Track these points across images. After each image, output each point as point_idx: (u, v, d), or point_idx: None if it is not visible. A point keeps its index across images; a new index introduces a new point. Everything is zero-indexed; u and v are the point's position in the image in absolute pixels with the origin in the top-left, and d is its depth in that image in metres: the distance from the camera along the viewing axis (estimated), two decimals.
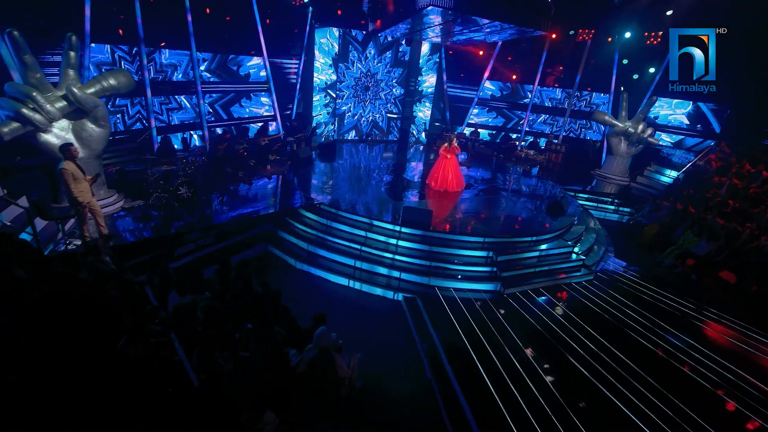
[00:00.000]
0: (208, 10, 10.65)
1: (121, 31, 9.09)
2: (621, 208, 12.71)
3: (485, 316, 6.48)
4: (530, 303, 7.07)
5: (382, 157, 14.86)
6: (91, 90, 7.36)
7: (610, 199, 12.96)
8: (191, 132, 11.54)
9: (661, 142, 15.00)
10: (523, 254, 8.11)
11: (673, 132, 15.41)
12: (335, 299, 7.08)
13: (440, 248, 7.90)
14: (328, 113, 15.70)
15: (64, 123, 7.29)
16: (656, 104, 14.25)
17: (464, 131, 18.42)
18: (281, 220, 8.87)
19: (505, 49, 17.15)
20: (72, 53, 7.20)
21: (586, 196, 12.93)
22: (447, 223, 8.59)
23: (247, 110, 13.44)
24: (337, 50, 14.92)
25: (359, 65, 16.17)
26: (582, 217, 10.44)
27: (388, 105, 17.56)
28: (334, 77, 15.31)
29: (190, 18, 10.27)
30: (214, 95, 12.11)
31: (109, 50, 9.15)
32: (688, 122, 15.05)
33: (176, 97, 10.89)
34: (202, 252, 7.72)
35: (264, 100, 13.80)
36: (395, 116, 17.79)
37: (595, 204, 12.81)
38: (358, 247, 8.04)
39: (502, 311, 6.70)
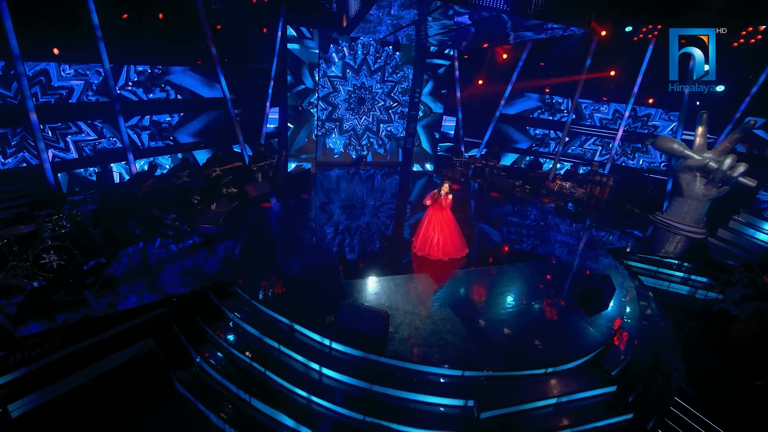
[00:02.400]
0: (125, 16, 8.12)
1: None
2: (693, 276, 8.89)
3: None
4: None
5: (371, 191, 11.82)
6: None
7: (676, 263, 9.13)
8: (111, 166, 9.15)
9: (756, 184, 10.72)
10: (526, 405, 4.79)
11: None
12: None
13: (386, 388, 4.79)
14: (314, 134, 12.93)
15: None
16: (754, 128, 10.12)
17: (477, 154, 14.99)
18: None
19: (536, 53, 13.57)
20: None
21: (638, 264, 9.14)
22: (411, 337, 5.37)
23: (191, 135, 10.95)
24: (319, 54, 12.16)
25: (352, 75, 13.32)
26: (633, 303, 6.87)
27: (391, 122, 14.52)
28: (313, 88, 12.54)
29: (96, 20, 7.79)
30: (145, 118, 9.70)
31: None
32: None
33: (80, 123, 8.50)
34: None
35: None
36: (393, 134, 14.73)
37: (653, 269, 9.06)
38: (261, 369, 5.12)
39: None
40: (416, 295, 6.14)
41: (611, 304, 6.43)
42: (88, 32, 7.82)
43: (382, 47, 13.26)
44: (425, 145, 14.67)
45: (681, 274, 8.98)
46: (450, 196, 6.79)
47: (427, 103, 14.30)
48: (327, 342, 5.18)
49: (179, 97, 10.20)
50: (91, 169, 8.81)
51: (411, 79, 13.92)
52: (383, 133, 14.59)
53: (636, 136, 13.56)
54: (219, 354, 5.43)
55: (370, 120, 14.24)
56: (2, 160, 7.34)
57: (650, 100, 13.01)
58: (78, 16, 7.56)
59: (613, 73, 13.17)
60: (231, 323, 5.76)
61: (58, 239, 6.44)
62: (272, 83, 11.93)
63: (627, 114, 13.36)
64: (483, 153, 15.09)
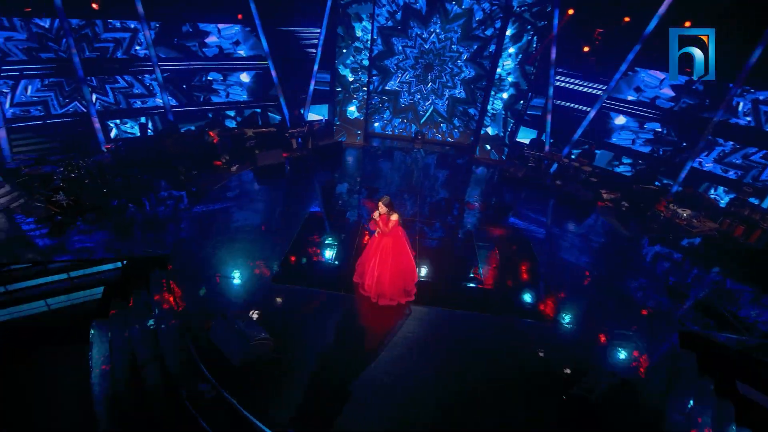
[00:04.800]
0: None
1: (28, 9, 7.61)
2: None
3: None
4: None
5: (407, 177, 10.33)
6: None
7: None
8: (147, 118, 9.93)
9: None
10: None
11: None
12: None
13: None
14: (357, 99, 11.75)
15: None
16: None
17: (568, 153, 11.47)
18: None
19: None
20: None
21: None
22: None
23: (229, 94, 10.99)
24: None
25: (420, 37, 11.34)
26: None
27: (454, 89, 12.19)
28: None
29: None
30: (183, 74, 10.08)
31: (24, 27, 7.97)
32: None
33: (125, 77, 9.27)
34: None
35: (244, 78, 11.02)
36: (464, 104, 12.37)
37: None
38: None
39: None
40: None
41: None
42: None
43: None
44: (497, 128, 11.92)
45: None
46: (394, 217, 5.03)
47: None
48: None
49: (218, 54, 10.27)
50: (130, 122, 9.78)
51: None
52: (452, 109, 12.42)
53: None
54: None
55: (437, 95, 12.19)
56: (57, 107, 8.66)
57: None
58: None
59: None
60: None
61: (66, 182, 7.37)
62: (321, 41, 11.01)
63: None
64: (583, 151, 11.51)
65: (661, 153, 10.39)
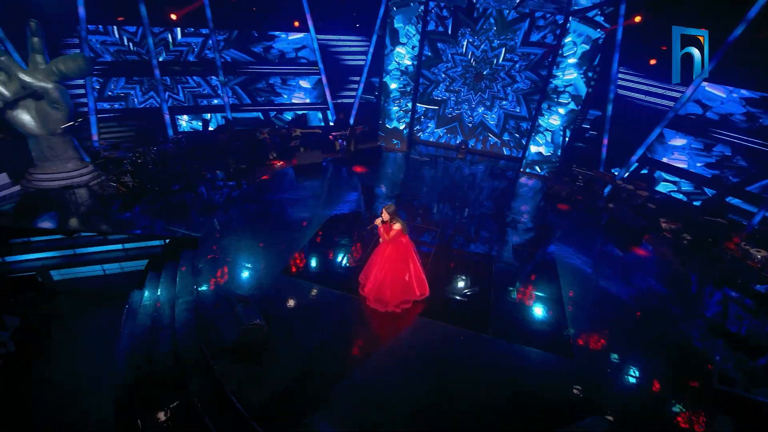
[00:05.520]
0: None
1: (120, 18, 8.97)
2: None
3: None
4: None
5: (439, 188, 10.23)
6: (41, 76, 7.60)
7: None
8: (211, 114, 11.03)
9: None
10: None
11: None
12: None
13: None
14: (401, 110, 11.88)
15: (29, 102, 7.91)
16: None
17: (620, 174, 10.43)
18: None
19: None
20: (35, 39, 7.46)
21: None
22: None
23: (285, 96, 11.75)
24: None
25: (472, 44, 11.14)
26: None
27: (506, 101, 11.74)
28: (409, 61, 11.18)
29: None
30: (241, 77, 11.03)
31: (116, 31, 9.38)
32: None
33: (193, 77, 10.44)
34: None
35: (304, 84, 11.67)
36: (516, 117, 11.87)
37: None
38: None
39: None
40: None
41: None
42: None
43: None
44: (548, 143, 11.20)
45: None
46: (396, 226, 5.02)
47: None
48: None
49: (275, 59, 11.11)
50: (191, 119, 10.96)
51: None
52: (503, 123, 12.00)
53: None
54: None
55: (487, 106, 11.83)
56: (138, 100, 10.07)
57: None
58: None
59: None
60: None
61: (133, 166, 8.52)
62: (371, 50, 11.35)
63: None
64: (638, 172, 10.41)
65: (731, 180, 9.01)
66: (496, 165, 11.97)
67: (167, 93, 10.34)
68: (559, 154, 11.03)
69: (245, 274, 6.02)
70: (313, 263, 6.43)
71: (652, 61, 9.40)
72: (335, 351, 4.77)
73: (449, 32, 11.07)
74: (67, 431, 4.20)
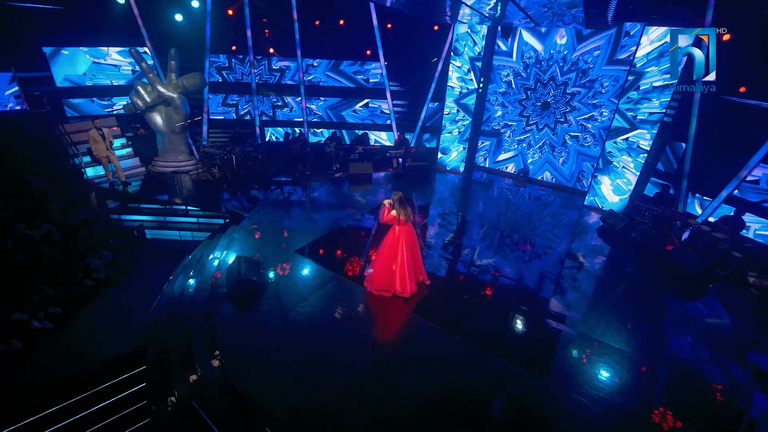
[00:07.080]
0: (317, 22, 11.20)
1: (234, 47, 11.55)
2: None
3: None
4: None
5: (489, 211, 10.16)
6: (171, 88, 10.24)
7: None
8: (293, 128, 13.00)
9: None
10: None
11: None
12: None
13: None
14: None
15: (161, 107, 10.63)
16: None
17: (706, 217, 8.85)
18: None
19: None
20: (172, 62, 10.21)
21: None
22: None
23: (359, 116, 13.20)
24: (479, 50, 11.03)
25: (536, 65, 10.82)
26: None
27: (576, 139, 11.04)
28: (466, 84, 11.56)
29: (297, 28, 11.23)
30: (325, 99, 12.80)
31: (226, 58, 12.00)
32: None
33: (284, 97, 12.60)
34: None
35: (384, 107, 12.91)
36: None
37: None
38: None
39: None
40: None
41: None
42: (291, 37, 11.53)
43: None
44: (618, 179, 10.03)
45: None
46: (393, 213, 5.37)
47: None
48: None
49: (348, 85, 12.76)
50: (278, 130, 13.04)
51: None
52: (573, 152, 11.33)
53: None
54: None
55: (568, 123, 10.97)
56: (238, 112, 12.56)
57: None
58: (285, 29, 11.35)
59: None
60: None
61: (221, 162, 10.61)
62: (437, 77, 12.18)
63: None
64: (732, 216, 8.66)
65: None
66: (555, 196, 11.24)
67: (259, 108, 12.70)
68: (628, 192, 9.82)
69: (265, 248, 7.03)
70: (323, 250, 7.16)
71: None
72: (316, 320, 5.25)
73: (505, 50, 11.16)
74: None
